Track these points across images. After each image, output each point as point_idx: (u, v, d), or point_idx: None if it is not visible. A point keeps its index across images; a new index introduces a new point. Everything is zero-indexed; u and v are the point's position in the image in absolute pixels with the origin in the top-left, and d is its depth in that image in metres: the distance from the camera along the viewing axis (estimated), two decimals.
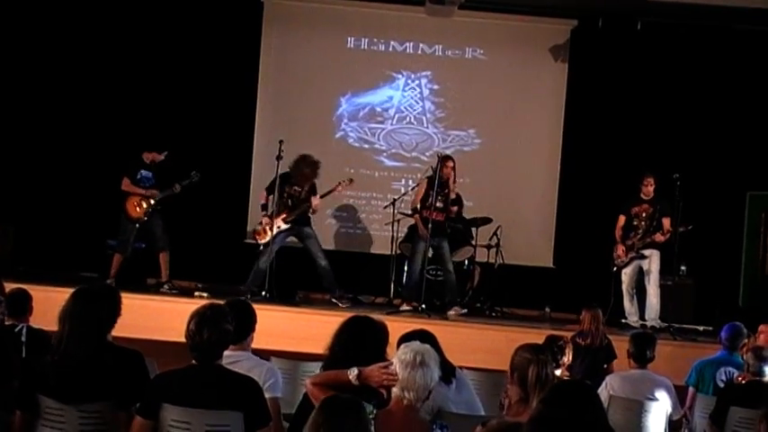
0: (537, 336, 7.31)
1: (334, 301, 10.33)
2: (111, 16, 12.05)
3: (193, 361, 4.26)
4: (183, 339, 4.28)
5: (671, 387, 6.61)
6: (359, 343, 4.52)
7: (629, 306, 10.66)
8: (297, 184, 10.42)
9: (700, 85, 12.21)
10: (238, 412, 4.15)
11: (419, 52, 12.76)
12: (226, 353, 4.37)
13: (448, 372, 5.12)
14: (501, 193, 12.27)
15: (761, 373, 6.45)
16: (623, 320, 10.56)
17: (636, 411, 6.31)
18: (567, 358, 6.83)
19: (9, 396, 4.60)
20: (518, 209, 12.35)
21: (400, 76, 12.72)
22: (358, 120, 12.68)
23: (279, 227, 10.32)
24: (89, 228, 11.56)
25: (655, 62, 12.23)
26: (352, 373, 4.19)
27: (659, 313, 10.46)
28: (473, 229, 11.40)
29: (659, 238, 10.36)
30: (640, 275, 10.67)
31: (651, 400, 6.42)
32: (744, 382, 6.56)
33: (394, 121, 12.71)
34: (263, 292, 10.06)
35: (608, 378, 6.75)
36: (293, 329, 9.18)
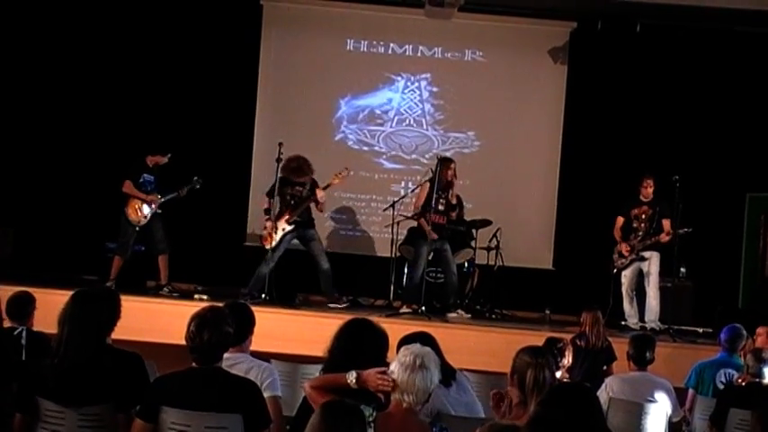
0: (537, 338, 7.31)
1: (330, 306, 10.27)
2: (111, 18, 12.04)
3: (193, 363, 4.26)
4: (182, 342, 4.28)
5: (671, 389, 6.61)
6: (358, 345, 4.52)
7: (628, 308, 10.65)
8: (297, 183, 10.40)
9: (699, 86, 12.22)
10: (238, 415, 4.16)
11: (418, 54, 12.76)
12: (225, 355, 4.38)
13: (448, 374, 5.12)
14: (500, 195, 12.26)
15: (760, 375, 6.46)
16: (623, 322, 10.56)
17: (636, 413, 6.31)
18: (567, 360, 6.84)
19: (8, 399, 4.60)
20: (518, 211, 12.35)
21: (400, 78, 12.72)
22: (357, 122, 12.68)
23: (283, 228, 10.31)
24: (89, 230, 11.55)
25: (654, 64, 12.23)
26: (351, 376, 4.19)
27: (659, 315, 10.46)
28: (473, 231, 11.39)
29: (664, 238, 10.35)
30: (640, 277, 10.66)
31: (651, 402, 6.42)
32: (743, 383, 6.57)
33: (393, 124, 12.71)
34: (263, 295, 10.05)
35: (608, 380, 6.75)
36: (293, 332, 9.17)
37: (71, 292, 4.57)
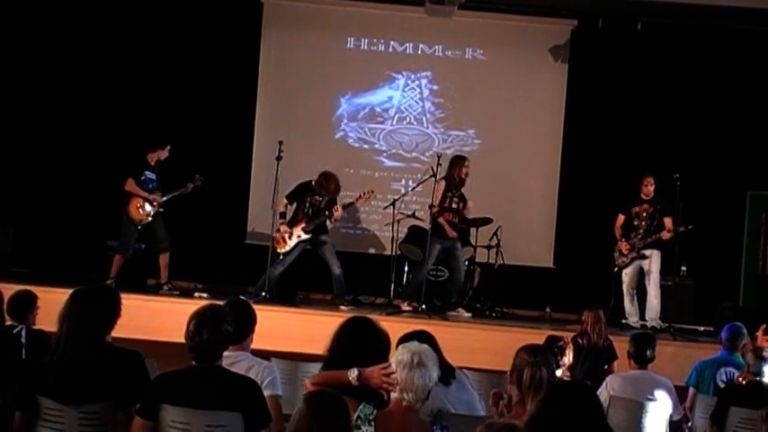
0: (537, 336, 7.30)
1: (342, 308, 10.21)
2: (111, 17, 12.05)
3: (193, 362, 4.26)
4: (182, 340, 4.28)
5: (671, 387, 6.61)
6: (358, 343, 4.51)
7: (629, 306, 10.65)
8: (319, 194, 10.42)
9: (700, 85, 12.22)
10: (238, 413, 4.15)
11: (419, 52, 12.76)
12: (225, 353, 4.37)
13: (447, 373, 5.11)
14: (501, 194, 12.25)
15: (761, 374, 6.45)
16: (623, 321, 10.56)
17: (636, 412, 6.30)
18: (568, 359, 6.82)
19: (9, 397, 4.59)
20: (518, 209, 12.34)
21: (400, 76, 12.72)
22: (358, 120, 12.68)
23: (298, 236, 10.31)
24: (89, 229, 11.55)
25: (655, 62, 12.23)
26: (353, 373, 4.19)
27: (659, 313, 10.45)
28: (473, 230, 11.39)
29: (666, 235, 10.33)
30: (641, 276, 10.65)
31: (651, 400, 6.41)
32: (744, 382, 6.56)
33: (394, 122, 12.71)
34: (264, 293, 10.04)
35: (608, 378, 6.75)
36: (293, 330, 9.17)
37: (71, 291, 4.56)
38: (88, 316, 4.42)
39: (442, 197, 10.47)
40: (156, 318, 9.09)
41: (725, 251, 11.92)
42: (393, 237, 11.25)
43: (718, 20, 11.64)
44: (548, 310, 11.61)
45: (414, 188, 11.64)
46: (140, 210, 10.38)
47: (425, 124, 12.73)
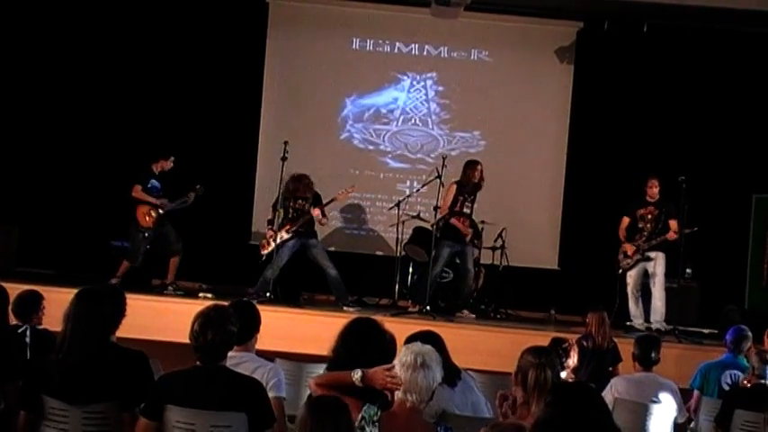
0: (542, 338, 7.29)
1: (347, 309, 10.17)
2: (117, 16, 12.05)
3: (197, 362, 4.26)
4: (187, 340, 4.28)
5: (676, 390, 6.60)
6: (362, 344, 4.51)
7: (633, 309, 10.62)
8: (300, 198, 10.42)
9: (706, 87, 12.20)
10: (242, 413, 4.15)
11: (424, 54, 12.76)
12: (230, 354, 4.37)
13: (453, 374, 5.12)
14: (506, 195, 12.23)
15: (766, 376, 6.44)
16: (628, 323, 10.53)
17: (641, 414, 6.30)
18: (573, 360, 6.81)
19: (13, 397, 4.60)
20: (523, 211, 12.33)
21: (405, 77, 12.72)
22: (363, 121, 12.68)
23: (282, 237, 10.32)
24: (93, 229, 11.56)
25: (661, 64, 12.22)
26: (356, 374, 4.19)
27: (665, 316, 10.44)
28: (478, 231, 11.38)
29: (672, 236, 10.31)
30: (645, 278, 10.63)
31: (656, 402, 6.40)
32: (749, 385, 6.55)
33: (399, 123, 12.71)
34: (268, 294, 10.05)
35: (613, 381, 6.74)
36: (297, 331, 9.16)
37: (76, 290, 4.56)
38: (93, 316, 4.42)
39: (453, 200, 10.46)
40: (161, 318, 9.09)
41: (730, 254, 11.90)
42: (398, 238, 11.25)
43: (724, 22, 11.62)
44: (552, 311, 11.61)
45: (419, 189, 11.61)
46: (147, 216, 10.41)
47: (431, 125, 12.73)
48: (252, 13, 12.41)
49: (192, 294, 10.31)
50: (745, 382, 6.70)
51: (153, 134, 11.77)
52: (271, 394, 4.51)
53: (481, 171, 10.54)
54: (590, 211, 12.01)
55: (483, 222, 11.29)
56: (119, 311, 4.77)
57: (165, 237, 10.52)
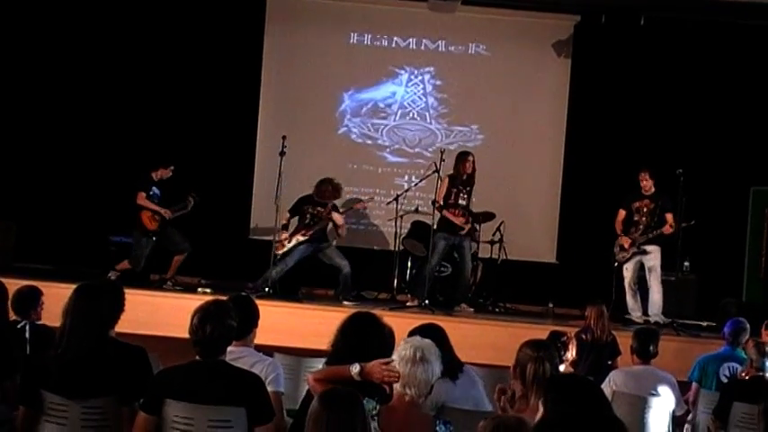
0: (540, 331, 7.29)
1: (345, 303, 10.22)
2: (114, 12, 12.03)
3: (197, 356, 4.26)
4: (186, 335, 4.28)
5: (674, 382, 6.60)
6: (362, 339, 4.51)
7: (631, 302, 10.63)
8: (320, 204, 10.50)
9: (703, 80, 12.20)
10: (241, 408, 4.16)
11: (422, 48, 12.75)
12: (229, 349, 4.37)
13: (455, 367, 5.12)
14: (504, 189, 12.24)
15: (764, 369, 6.45)
16: (626, 316, 10.54)
17: (639, 407, 6.30)
18: (571, 354, 6.82)
19: (12, 392, 4.60)
20: (521, 204, 12.34)
21: (403, 71, 12.71)
22: (361, 115, 12.68)
23: (298, 239, 10.37)
24: (92, 224, 11.56)
25: (658, 57, 12.22)
26: (354, 368, 4.19)
27: (662, 308, 10.44)
28: (476, 225, 11.37)
29: (668, 230, 10.32)
30: (642, 271, 10.63)
31: (654, 395, 6.40)
32: (747, 377, 6.56)
33: (397, 117, 12.71)
34: (267, 288, 10.06)
35: (611, 374, 6.73)
36: (296, 325, 9.16)
37: (74, 286, 4.57)
38: (92, 311, 4.42)
39: (447, 193, 10.46)
40: (160, 313, 9.10)
41: (728, 246, 11.92)
42: (396, 232, 11.25)
43: (722, 15, 11.62)
44: (551, 305, 11.61)
45: (417, 184, 11.64)
46: (152, 221, 10.43)
47: (428, 120, 12.73)
48: (249, 9, 12.40)
49: (190, 289, 10.32)
50: (744, 374, 6.70)
51: (150, 130, 11.79)
52: (270, 389, 4.50)
53: (473, 162, 10.53)
54: (588, 204, 12.01)
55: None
56: (117, 306, 4.78)
57: (170, 238, 10.55)
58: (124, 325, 4.86)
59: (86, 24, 12.06)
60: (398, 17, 12.69)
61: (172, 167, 10.61)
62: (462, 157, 10.58)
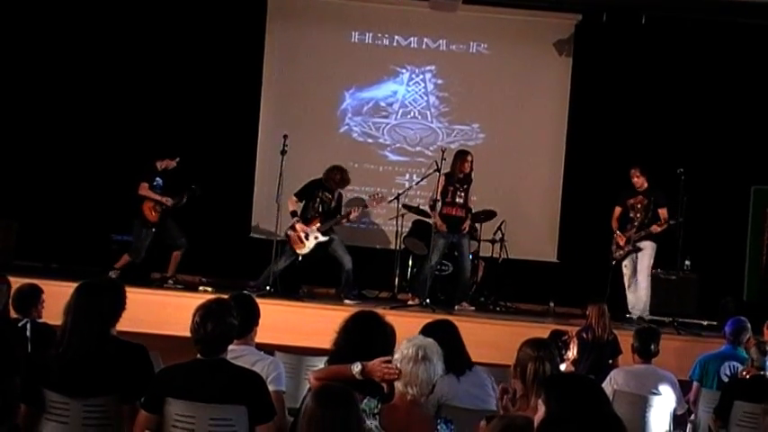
0: (541, 330, 7.30)
1: (347, 302, 10.20)
2: (114, 11, 12.03)
3: (198, 355, 4.27)
4: (187, 334, 4.29)
5: (675, 381, 6.61)
6: (365, 337, 4.52)
7: (632, 299, 10.63)
8: (328, 190, 10.49)
9: (704, 79, 12.19)
10: (242, 406, 4.16)
11: (423, 47, 12.75)
12: (230, 347, 4.38)
13: (463, 364, 5.12)
14: (505, 188, 12.23)
15: (765, 368, 6.46)
16: (627, 315, 10.54)
17: (640, 406, 6.31)
18: (572, 353, 6.83)
19: (13, 390, 4.60)
20: (522, 203, 12.33)
21: (404, 70, 12.71)
22: (362, 114, 12.68)
23: (317, 237, 10.34)
24: (93, 222, 11.57)
25: (659, 56, 12.21)
26: (356, 367, 4.20)
27: (648, 305, 10.42)
28: (477, 224, 11.38)
29: (655, 228, 10.33)
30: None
31: (655, 394, 6.41)
32: (748, 376, 6.56)
33: (398, 116, 12.71)
34: (268, 287, 10.06)
35: (612, 373, 6.74)
36: (297, 324, 9.16)
37: (76, 284, 4.57)
38: (93, 309, 4.43)
39: (443, 191, 10.46)
40: (161, 311, 9.09)
41: (729, 245, 11.91)
42: (397, 231, 11.24)
43: (723, 14, 11.61)
44: (552, 304, 11.61)
45: (418, 182, 11.65)
46: (153, 211, 10.43)
47: (430, 118, 12.72)
48: (251, 7, 12.39)
49: (191, 288, 10.34)
50: (745, 373, 6.70)
51: (152, 128, 11.78)
52: (271, 388, 4.51)
53: (471, 162, 10.53)
54: (589, 203, 11.99)
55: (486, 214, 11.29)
56: (119, 305, 4.78)
57: (169, 231, 10.55)
58: (125, 323, 4.86)
59: (87, 24, 12.05)
60: (400, 16, 12.69)
61: (178, 159, 10.62)
62: (461, 155, 10.58)
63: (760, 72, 11.92)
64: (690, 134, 12.06)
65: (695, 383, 7.29)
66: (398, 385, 4.08)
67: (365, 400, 4.00)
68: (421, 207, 11.35)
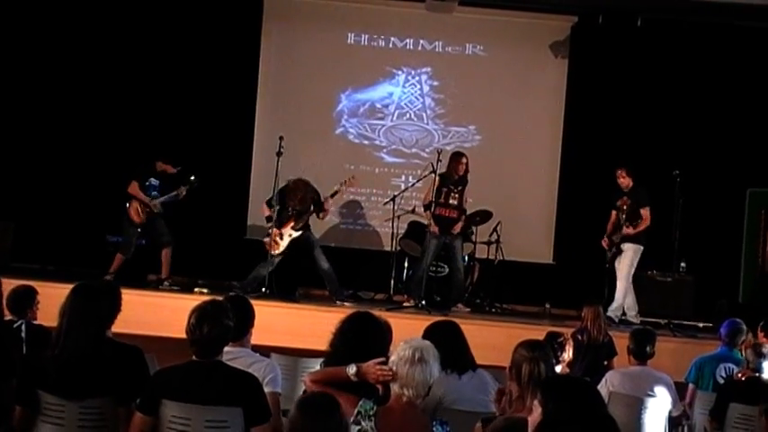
0: (537, 332, 7.31)
1: (339, 304, 10.19)
2: (110, 13, 12.02)
3: (193, 357, 4.26)
4: (183, 335, 4.28)
5: (671, 383, 6.61)
6: (361, 339, 4.51)
7: (629, 301, 10.63)
8: (299, 202, 10.44)
9: (700, 81, 12.21)
10: (238, 408, 4.16)
11: (419, 48, 12.75)
12: (225, 349, 4.37)
13: (465, 364, 5.10)
14: (501, 190, 12.23)
15: (760, 370, 6.46)
16: (623, 316, 10.55)
17: (635, 408, 6.30)
18: (568, 355, 6.83)
19: (9, 392, 4.60)
20: (518, 205, 12.34)
21: (400, 72, 12.71)
22: (358, 116, 12.68)
23: (290, 235, 10.33)
24: (89, 224, 11.56)
25: (655, 59, 12.23)
26: (351, 369, 4.19)
27: (623, 308, 10.42)
28: (473, 226, 11.38)
29: (627, 232, 10.34)
30: (636, 269, 10.64)
31: (651, 396, 6.41)
32: (743, 378, 6.56)
33: (394, 118, 12.71)
34: (263, 288, 10.06)
35: (608, 375, 6.74)
36: (293, 326, 9.18)
37: (71, 286, 4.56)
38: (89, 311, 4.42)
39: (437, 192, 10.46)
40: (157, 313, 9.10)
41: (725, 247, 11.91)
42: (393, 233, 11.25)
43: (719, 16, 11.64)
44: (547, 306, 11.62)
45: (414, 184, 11.65)
46: (140, 213, 10.48)
47: (425, 120, 12.73)
48: (247, 8, 12.39)
49: (187, 289, 10.32)
50: (740, 375, 6.70)
51: (148, 129, 11.77)
52: (267, 389, 4.50)
53: (466, 164, 10.56)
54: (585, 205, 12.01)
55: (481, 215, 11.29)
56: (114, 307, 4.78)
57: (155, 229, 10.61)
58: (121, 325, 4.86)
59: (84, 26, 12.05)
60: (396, 17, 12.69)
61: (179, 168, 10.67)
62: (456, 157, 10.60)
63: (756, 75, 11.95)
64: (686, 136, 12.08)
65: (691, 385, 7.29)
66: (394, 387, 4.08)
67: (361, 402, 3.99)
68: (416, 210, 11.34)
